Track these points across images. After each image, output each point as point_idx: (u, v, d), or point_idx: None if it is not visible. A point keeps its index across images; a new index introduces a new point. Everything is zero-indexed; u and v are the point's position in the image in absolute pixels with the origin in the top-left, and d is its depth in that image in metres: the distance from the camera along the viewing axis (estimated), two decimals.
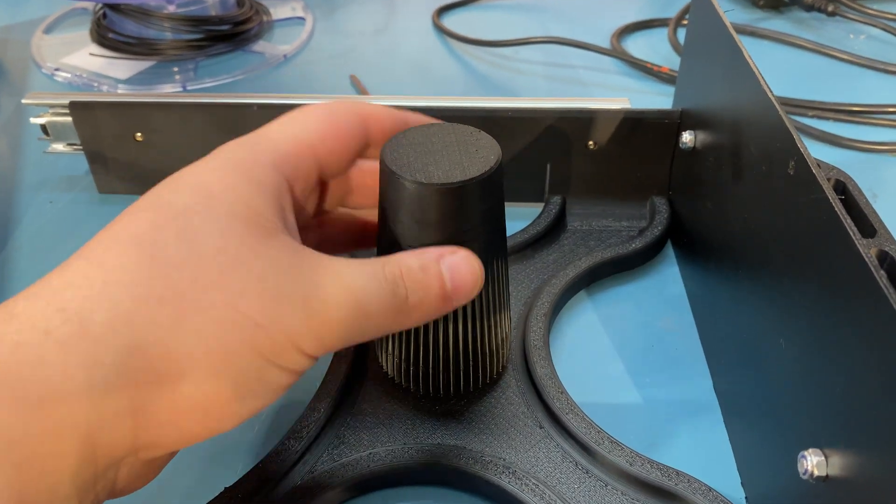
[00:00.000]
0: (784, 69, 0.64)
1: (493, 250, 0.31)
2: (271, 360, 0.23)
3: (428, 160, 0.28)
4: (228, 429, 0.23)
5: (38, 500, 0.19)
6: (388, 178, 0.28)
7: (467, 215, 0.29)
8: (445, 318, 0.31)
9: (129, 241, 0.22)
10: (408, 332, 0.31)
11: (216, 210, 0.23)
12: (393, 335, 0.32)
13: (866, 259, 0.22)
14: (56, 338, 0.20)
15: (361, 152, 0.29)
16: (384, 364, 0.35)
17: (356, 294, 0.24)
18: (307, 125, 0.27)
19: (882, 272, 0.22)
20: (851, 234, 0.23)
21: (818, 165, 0.27)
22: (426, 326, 0.31)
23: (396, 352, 0.33)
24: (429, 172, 0.28)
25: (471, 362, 0.33)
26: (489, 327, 0.32)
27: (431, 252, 0.26)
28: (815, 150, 0.53)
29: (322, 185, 0.29)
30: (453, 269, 0.26)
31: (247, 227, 0.23)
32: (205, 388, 0.22)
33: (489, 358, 0.33)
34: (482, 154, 0.29)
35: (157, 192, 0.24)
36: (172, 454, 0.25)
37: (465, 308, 0.31)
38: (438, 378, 0.33)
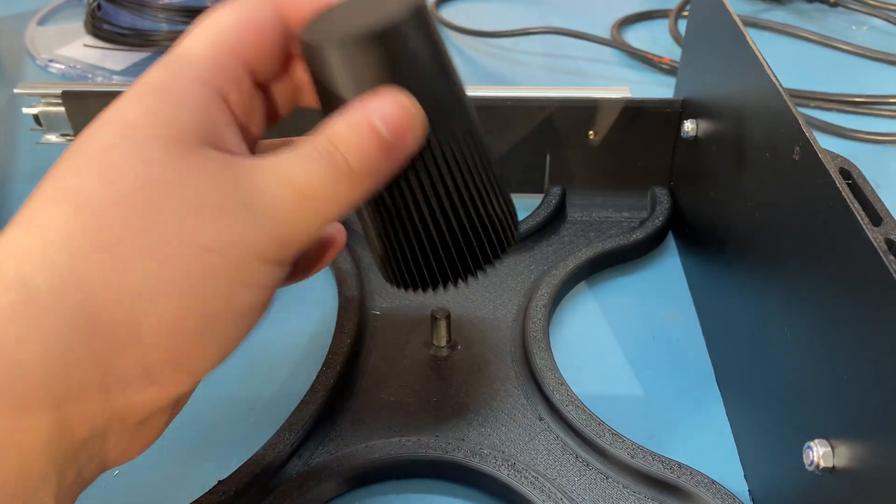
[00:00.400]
0: (786, 60, 0.64)
1: (448, 101, 0.26)
2: (235, 280, 0.21)
3: (345, 25, 0.24)
4: (213, 367, 0.22)
5: (9, 479, 0.18)
6: (309, 54, 0.25)
7: (403, 65, 0.24)
8: (423, 191, 0.26)
9: (56, 195, 0.20)
10: (390, 217, 0.27)
11: (135, 139, 0.21)
12: (377, 232, 0.28)
13: (876, 246, 0.22)
14: (6, 313, 0.19)
15: (287, 45, 0.26)
16: (388, 274, 0.29)
17: (297, 182, 0.22)
18: (221, 29, 0.24)
19: (891, 257, 0.21)
20: (860, 220, 0.23)
21: (823, 152, 0.26)
22: (406, 206, 0.26)
23: (391, 248, 0.28)
24: (342, 30, 0.24)
25: (468, 227, 0.27)
26: (473, 186, 0.27)
27: (355, 108, 0.23)
28: (818, 141, 0.52)
29: (265, 91, 0.27)
30: (384, 115, 0.23)
31: (169, 149, 0.21)
32: (169, 333, 0.20)
33: (488, 221, 0.28)
34: (393, 7, 0.24)
35: (84, 134, 0.22)
36: (171, 413, 0.24)
37: (432, 169, 0.26)
38: (441, 257, 0.27)
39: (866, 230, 0.22)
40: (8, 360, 0.19)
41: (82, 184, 0.20)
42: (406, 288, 0.28)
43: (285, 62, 0.26)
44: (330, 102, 0.25)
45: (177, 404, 0.24)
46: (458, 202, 0.27)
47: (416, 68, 0.24)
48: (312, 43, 0.24)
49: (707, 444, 0.33)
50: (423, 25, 0.25)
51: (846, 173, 0.31)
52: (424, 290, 0.28)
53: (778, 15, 0.70)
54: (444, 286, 0.28)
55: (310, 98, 0.27)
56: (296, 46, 0.26)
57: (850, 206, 0.23)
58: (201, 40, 0.24)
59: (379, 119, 0.23)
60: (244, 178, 0.22)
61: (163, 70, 0.23)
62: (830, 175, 0.24)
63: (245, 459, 0.30)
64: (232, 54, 0.24)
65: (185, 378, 0.22)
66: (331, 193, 0.23)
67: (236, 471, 0.30)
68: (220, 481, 0.29)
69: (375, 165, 0.23)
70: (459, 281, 0.28)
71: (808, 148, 0.26)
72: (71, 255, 0.20)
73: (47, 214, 0.20)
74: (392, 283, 0.28)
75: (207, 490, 0.29)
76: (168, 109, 0.22)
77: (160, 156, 0.21)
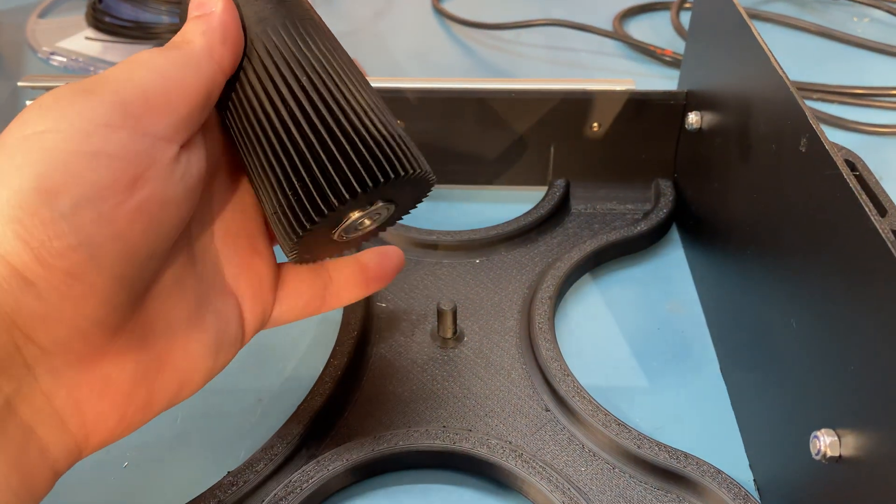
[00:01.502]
0: (788, 52, 0.64)
1: (281, 7, 0.25)
2: (82, 147, 0.20)
3: None
4: (124, 298, 0.21)
5: None
6: None
7: None
8: (279, 116, 0.23)
9: None
10: (269, 144, 0.23)
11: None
12: (255, 175, 0.24)
13: (884, 237, 0.22)
14: None
15: None
16: (277, 224, 0.24)
17: (142, 55, 0.22)
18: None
19: None
20: (868, 211, 0.23)
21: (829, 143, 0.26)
22: (266, 136, 0.23)
23: (270, 186, 0.24)
24: None
25: (338, 134, 0.23)
26: (326, 92, 0.24)
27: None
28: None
29: None
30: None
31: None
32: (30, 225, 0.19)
33: (361, 127, 0.24)
34: None
35: None
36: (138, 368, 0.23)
37: (274, 81, 0.24)
38: (327, 173, 0.23)
39: (875, 222, 0.22)
40: None
41: None
42: (298, 231, 0.23)
43: None
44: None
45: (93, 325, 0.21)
46: (313, 108, 0.23)
47: None
48: None
49: (712, 434, 0.33)
50: None
51: (851, 165, 0.31)
52: (309, 223, 0.23)
53: (779, 6, 0.70)
54: (331, 209, 0.23)
55: None
56: None
57: (858, 197, 0.23)
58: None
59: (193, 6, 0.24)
60: (99, 77, 0.21)
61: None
62: (838, 167, 0.25)
63: (254, 451, 0.30)
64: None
65: (74, 296, 0.20)
66: (170, 58, 0.23)
67: (245, 462, 0.30)
68: (229, 472, 0.29)
69: (189, 28, 0.24)
70: (348, 200, 0.23)
71: (816, 140, 0.26)
72: None
73: None
74: (288, 234, 0.24)
75: (217, 481, 0.29)
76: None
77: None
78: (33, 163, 0.19)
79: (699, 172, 0.41)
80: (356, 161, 0.23)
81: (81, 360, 0.21)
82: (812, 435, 0.24)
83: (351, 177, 0.23)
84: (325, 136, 0.23)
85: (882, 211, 0.28)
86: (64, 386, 0.21)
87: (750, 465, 0.32)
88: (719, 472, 0.29)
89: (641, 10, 0.70)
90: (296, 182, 0.23)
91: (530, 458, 0.30)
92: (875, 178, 0.30)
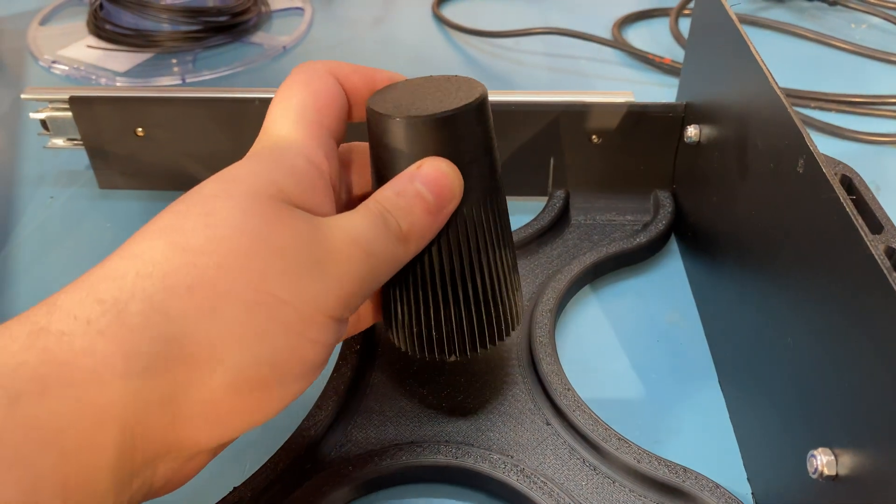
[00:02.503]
0: (785, 59, 0.64)
1: (488, 187, 0.29)
2: (303, 335, 0.23)
3: (413, 101, 0.27)
4: (268, 417, 0.23)
5: (77, 492, 0.19)
6: (375, 121, 0.27)
7: (459, 148, 0.27)
8: (453, 269, 0.28)
9: (157, 231, 0.22)
10: (407, 284, 0.29)
11: (237, 190, 0.23)
12: (401, 299, 0.30)
13: (878, 259, 0.22)
14: (97, 327, 0.20)
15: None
16: (396, 338, 0.31)
17: (361, 242, 0.24)
18: (304, 106, 0.27)
19: (894, 273, 0.22)
20: (863, 234, 0.23)
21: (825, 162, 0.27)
22: (433, 280, 0.29)
23: (407, 316, 0.30)
24: (414, 109, 0.27)
25: (484, 308, 0.30)
26: (493, 267, 0.30)
27: (401, 176, 0.26)
28: (818, 142, 0.52)
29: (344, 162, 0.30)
30: (427, 182, 0.26)
31: (266, 203, 0.23)
32: (242, 375, 0.22)
33: (502, 304, 0.30)
34: (466, 91, 0.28)
35: (194, 188, 0.24)
36: (214, 453, 0.25)
37: (461, 247, 0.28)
38: (453, 333, 0.30)
39: (868, 243, 0.23)
40: (92, 374, 0.20)
41: (182, 224, 0.22)
42: (410, 353, 0.30)
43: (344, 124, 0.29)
44: (386, 164, 0.27)
45: (222, 447, 0.25)
46: (478, 279, 0.29)
47: (467, 150, 0.27)
48: (385, 113, 0.26)
49: (711, 448, 0.33)
50: (482, 114, 0.28)
51: (847, 181, 0.31)
52: (427, 357, 0.30)
53: (777, 13, 0.71)
54: (446, 357, 0.30)
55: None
56: (359, 110, 0.29)
57: (854, 221, 0.24)
58: (291, 121, 0.26)
59: (424, 185, 0.26)
60: (321, 236, 0.24)
61: (267, 143, 0.26)
62: (834, 190, 0.25)
63: (258, 466, 0.31)
64: (323, 129, 0.27)
65: (241, 425, 0.23)
66: (386, 252, 0.25)
67: (250, 477, 0.30)
68: (234, 488, 0.30)
69: (422, 227, 0.26)
70: (455, 356, 0.30)
71: (812, 161, 0.27)
72: (165, 287, 0.21)
73: (145, 245, 0.22)
74: (400, 345, 0.31)
75: (222, 497, 0.30)
76: (271, 171, 0.24)
77: (258, 209, 0.23)
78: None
79: (698, 185, 0.41)
80: (486, 336, 0.30)
81: None
82: (809, 454, 0.25)
83: (477, 344, 0.30)
84: (472, 305, 0.29)
85: (877, 228, 0.28)
86: None
87: (748, 479, 0.32)
88: (717, 486, 0.30)
89: (640, 17, 0.71)
90: (444, 325, 0.29)
91: (531, 473, 0.30)
92: (871, 192, 0.30)
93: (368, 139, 0.28)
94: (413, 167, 0.26)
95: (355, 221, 0.25)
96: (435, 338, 0.30)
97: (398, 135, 0.27)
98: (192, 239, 0.22)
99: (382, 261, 0.25)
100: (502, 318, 0.31)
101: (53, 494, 0.19)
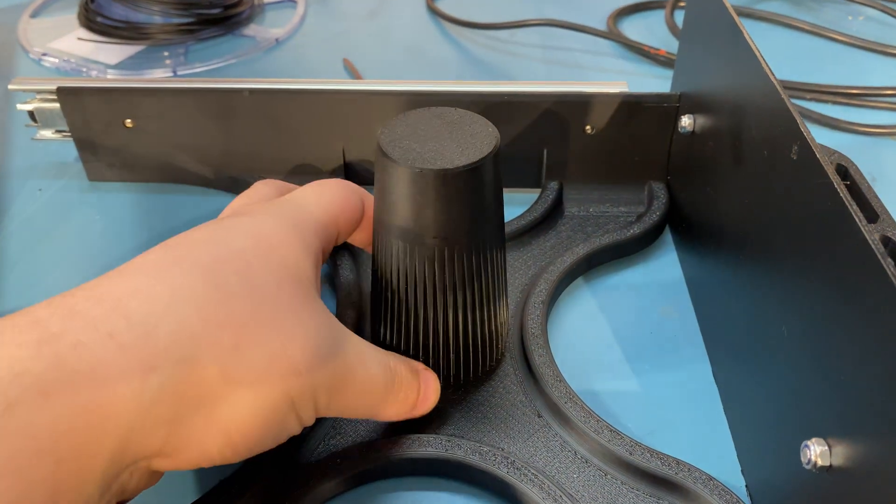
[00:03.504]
0: (781, 51, 0.64)
1: (491, 239, 0.30)
2: (295, 408, 0.25)
3: (425, 146, 0.28)
4: (234, 461, 0.24)
5: (67, 496, 0.20)
6: (386, 165, 0.28)
7: (463, 201, 0.28)
8: (439, 305, 0.30)
9: (194, 267, 0.23)
10: (402, 318, 0.31)
11: (273, 260, 0.25)
12: (388, 322, 0.32)
13: (873, 246, 0.22)
14: (119, 342, 0.21)
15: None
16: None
17: (370, 372, 0.27)
18: (334, 198, 0.30)
19: (889, 260, 0.21)
20: (857, 220, 0.23)
21: (820, 150, 0.26)
22: (420, 313, 0.31)
23: (392, 339, 0.32)
24: (426, 158, 0.28)
25: (469, 351, 0.32)
26: (487, 316, 0.32)
27: (415, 364, 0.31)
28: (814, 134, 0.52)
29: None
30: (425, 383, 0.30)
31: (297, 284, 0.25)
32: (239, 416, 0.23)
33: (487, 346, 0.33)
34: (478, 141, 0.28)
35: (212, 229, 0.26)
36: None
37: (462, 297, 0.30)
38: (438, 367, 0.32)
39: (863, 230, 0.22)
40: (104, 385, 0.20)
41: (222, 268, 0.24)
42: None
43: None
44: (389, 200, 0.29)
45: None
46: (468, 329, 0.31)
47: (471, 199, 0.29)
48: (395, 159, 0.28)
49: (705, 440, 0.33)
50: (495, 162, 0.29)
51: (843, 170, 0.31)
52: None
53: (773, 5, 0.70)
54: (441, 385, 0.32)
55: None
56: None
57: (848, 207, 0.23)
58: (321, 203, 0.30)
59: (423, 383, 0.30)
60: (339, 337, 0.26)
61: (293, 211, 0.29)
62: (828, 175, 0.25)
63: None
64: (335, 222, 0.30)
65: (218, 457, 0.24)
66: (376, 397, 0.28)
67: (237, 470, 0.30)
68: (221, 481, 0.29)
69: (402, 407, 0.29)
70: (455, 382, 0.33)
71: (806, 147, 0.26)
72: (200, 317, 0.22)
73: (181, 276, 0.23)
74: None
75: (208, 490, 0.29)
76: (298, 248, 0.27)
77: (290, 286, 0.25)
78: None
79: (692, 176, 0.41)
80: (464, 370, 0.33)
81: None
82: (803, 444, 0.24)
83: (458, 375, 0.33)
84: (461, 344, 0.32)
85: (873, 217, 0.28)
86: None
87: (742, 472, 0.32)
88: (711, 478, 0.29)
89: (635, 10, 0.70)
90: (426, 356, 0.32)
91: (522, 466, 0.30)
92: (867, 182, 0.30)
93: (375, 167, 0.29)
94: (421, 366, 0.31)
95: (372, 358, 0.28)
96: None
97: (404, 182, 0.28)
98: (230, 284, 0.23)
99: (369, 402, 0.28)
100: (490, 354, 0.33)
101: (44, 500, 0.19)
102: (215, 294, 0.23)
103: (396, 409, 0.29)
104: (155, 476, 0.25)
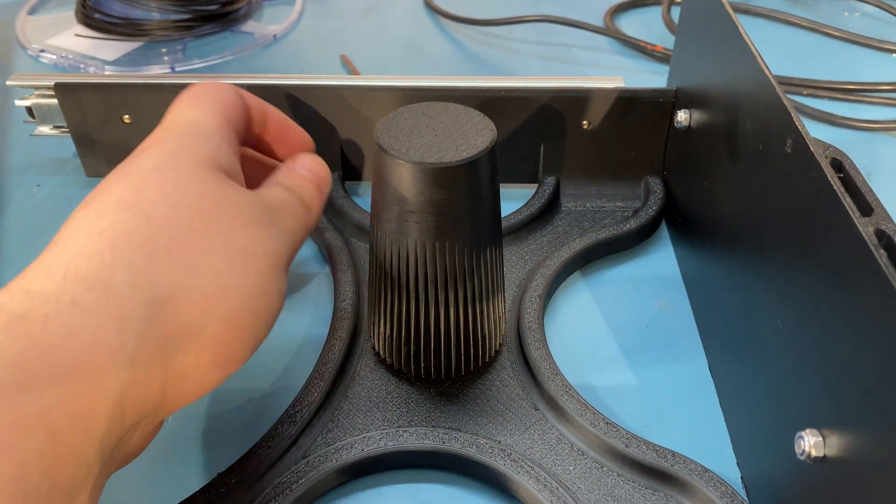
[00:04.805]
0: (778, 47, 0.64)
1: (487, 234, 0.30)
2: (272, 283, 0.25)
3: (422, 141, 0.28)
4: (241, 365, 0.24)
5: (66, 467, 0.20)
6: (383, 160, 0.28)
7: (460, 196, 0.28)
8: (438, 300, 0.30)
9: (119, 207, 0.23)
10: (399, 313, 0.31)
11: (182, 162, 0.25)
12: (385, 316, 0.32)
13: (866, 239, 0.22)
14: (84, 307, 0.21)
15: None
16: (376, 345, 0.34)
17: (293, 206, 0.28)
18: (214, 104, 0.29)
19: (882, 251, 0.21)
20: (851, 213, 0.23)
21: (815, 143, 0.27)
22: (418, 308, 0.31)
23: (389, 332, 0.32)
24: (423, 153, 0.28)
25: (466, 345, 0.32)
26: (483, 310, 0.32)
27: (285, 167, 0.31)
28: (810, 129, 0.52)
29: None
30: (309, 169, 0.31)
31: (211, 172, 0.25)
32: (229, 328, 0.23)
33: (483, 340, 0.33)
34: (475, 136, 0.29)
35: (122, 167, 0.25)
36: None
37: (461, 291, 0.30)
38: (432, 360, 0.32)
39: (856, 222, 0.23)
40: (85, 352, 0.20)
41: (141, 196, 0.24)
42: (396, 367, 0.34)
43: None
44: (386, 195, 0.29)
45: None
46: (463, 323, 0.32)
47: (479, 197, 0.29)
48: (393, 154, 0.28)
49: (700, 433, 0.33)
50: (492, 157, 0.29)
51: (837, 164, 0.31)
52: (420, 380, 0.34)
53: (770, 1, 0.70)
54: (436, 378, 0.34)
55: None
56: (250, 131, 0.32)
57: (842, 199, 0.23)
58: (204, 112, 0.28)
59: (308, 171, 0.31)
60: (262, 199, 0.27)
61: (182, 127, 0.27)
62: (822, 168, 0.25)
63: (244, 451, 0.30)
64: (228, 123, 0.29)
65: (223, 374, 0.24)
66: (302, 216, 0.29)
67: (235, 463, 0.30)
68: (219, 473, 0.30)
69: (315, 197, 0.30)
70: (440, 377, 0.34)
71: (800, 140, 0.27)
72: (146, 254, 0.22)
73: (112, 221, 0.23)
74: (395, 366, 0.34)
75: (207, 482, 0.29)
76: (202, 146, 0.26)
77: (210, 178, 0.25)
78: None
79: (688, 170, 0.41)
80: (461, 364, 0.33)
81: None
82: (797, 435, 0.25)
83: (452, 369, 0.33)
84: (458, 338, 0.32)
85: (868, 210, 0.28)
86: None
87: (737, 463, 0.32)
88: (707, 470, 0.29)
89: (632, 6, 0.70)
90: (431, 350, 0.32)
91: (519, 458, 0.30)
92: (862, 176, 0.30)
93: (374, 158, 0.30)
94: (290, 161, 0.31)
95: (278, 191, 0.28)
96: (413, 359, 0.33)
97: (399, 175, 0.28)
98: (156, 208, 0.23)
99: (303, 224, 0.28)
100: (486, 348, 0.34)
101: (41, 475, 0.19)
102: (149, 226, 0.23)
103: (316, 205, 0.30)
104: (156, 428, 0.25)
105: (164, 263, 0.22)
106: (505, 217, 0.42)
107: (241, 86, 0.43)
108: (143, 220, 0.23)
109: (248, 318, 0.24)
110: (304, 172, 0.31)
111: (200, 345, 0.23)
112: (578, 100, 0.43)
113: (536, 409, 0.33)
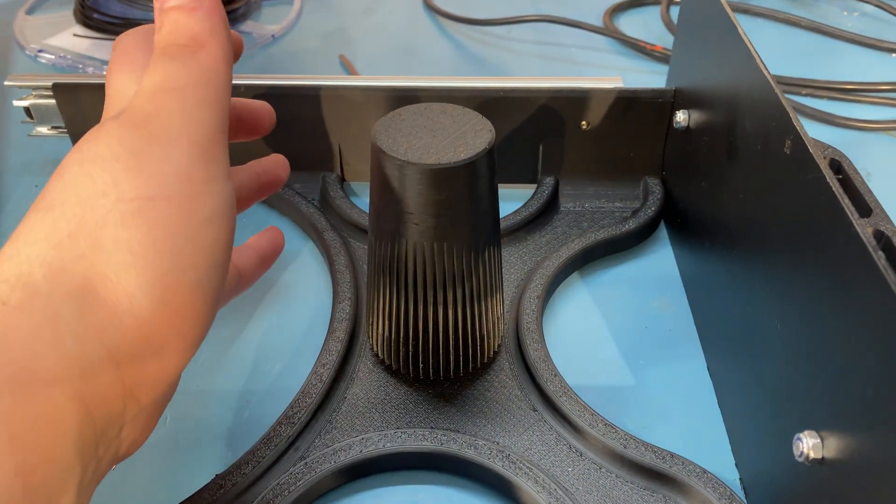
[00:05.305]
0: (777, 46, 0.64)
1: (486, 235, 0.30)
2: (192, 216, 0.22)
3: (420, 142, 0.28)
4: (205, 328, 0.23)
5: (38, 471, 0.19)
6: (381, 161, 0.28)
7: (458, 197, 0.28)
8: (436, 300, 0.30)
9: (34, 207, 0.22)
10: (398, 313, 0.31)
11: (81, 145, 0.23)
12: (384, 317, 0.32)
13: (865, 240, 0.22)
14: (13, 305, 0.20)
15: None
16: (375, 346, 0.34)
17: (169, 83, 0.23)
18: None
19: (880, 253, 0.21)
20: (849, 214, 0.23)
21: (814, 144, 0.27)
22: (416, 309, 0.31)
23: (388, 333, 0.32)
24: (421, 154, 0.28)
25: (465, 346, 0.32)
26: (482, 311, 0.32)
27: (156, 16, 0.25)
28: (809, 129, 0.52)
29: None
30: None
31: (95, 139, 0.23)
32: (159, 293, 0.21)
33: (482, 341, 0.33)
34: (474, 136, 0.29)
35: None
36: (169, 396, 0.25)
37: (459, 292, 0.30)
38: (430, 361, 0.32)
39: (855, 224, 0.22)
40: (26, 351, 0.20)
41: (45, 193, 0.22)
42: (394, 367, 0.34)
43: None
44: (385, 196, 0.29)
45: (174, 384, 0.25)
46: (461, 324, 0.32)
47: (477, 198, 0.29)
48: (391, 155, 0.28)
49: (699, 434, 0.33)
50: (490, 158, 0.29)
51: (836, 165, 0.31)
52: (419, 381, 0.34)
53: (769, 1, 0.70)
54: (434, 379, 0.34)
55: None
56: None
57: (840, 201, 0.23)
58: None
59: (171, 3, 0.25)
60: (136, 110, 0.23)
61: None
62: (821, 170, 0.25)
63: (242, 453, 0.30)
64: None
65: (183, 344, 0.22)
66: (193, 70, 0.24)
67: (233, 464, 0.30)
68: (217, 475, 0.29)
69: (193, 25, 0.24)
70: (438, 378, 0.34)
71: (799, 141, 0.27)
72: (53, 246, 0.21)
73: (28, 222, 0.22)
74: (393, 367, 0.34)
75: (205, 484, 0.29)
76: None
77: (86, 147, 0.22)
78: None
79: (687, 171, 0.41)
80: (460, 365, 0.33)
81: None
82: (795, 437, 0.25)
83: (451, 370, 0.33)
84: (457, 339, 0.32)
85: (867, 211, 0.28)
86: None
87: (736, 464, 0.32)
88: (705, 471, 0.29)
89: (631, 6, 0.70)
90: (430, 351, 0.32)
91: (517, 459, 0.30)
92: (861, 177, 0.30)
93: (371, 158, 0.29)
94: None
95: (148, 73, 0.24)
96: (412, 360, 0.33)
97: (397, 175, 0.28)
98: (46, 198, 0.22)
99: (200, 82, 0.24)
100: (484, 349, 0.33)
101: (8, 480, 0.18)
102: (47, 216, 0.22)
103: (197, 38, 0.24)
104: (150, 419, 0.24)
105: (70, 250, 0.21)
106: (504, 217, 0.42)
107: (240, 86, 0.43)
108: (42, 215, 0.22)
109: (181, 274, 0.22)
110: (163, 6, 0.25)
111: (137, 320, 0.21)
112: (577, 100, 0.43)
113: (535, 410, 0.33)
